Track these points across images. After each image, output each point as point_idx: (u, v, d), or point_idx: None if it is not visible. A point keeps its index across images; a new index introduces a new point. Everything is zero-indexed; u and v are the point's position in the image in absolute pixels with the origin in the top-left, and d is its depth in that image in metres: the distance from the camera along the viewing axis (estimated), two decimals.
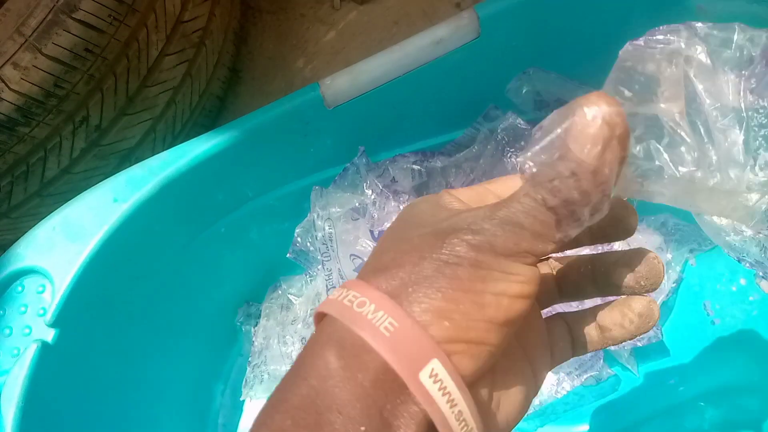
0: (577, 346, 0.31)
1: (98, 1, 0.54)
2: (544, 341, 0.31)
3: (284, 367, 0.62)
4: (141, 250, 0.55)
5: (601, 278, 0.29)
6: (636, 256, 0.28)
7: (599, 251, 0.37)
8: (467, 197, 0.29)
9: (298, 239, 0.61)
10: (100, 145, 0.66)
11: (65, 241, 0.51)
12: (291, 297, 0.65)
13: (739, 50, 0.26)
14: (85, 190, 0.53)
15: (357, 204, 0.59)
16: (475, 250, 0.24)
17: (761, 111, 0.26)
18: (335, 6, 0.93)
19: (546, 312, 0.32)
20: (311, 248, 0.61)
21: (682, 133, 0.26)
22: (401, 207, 0.57)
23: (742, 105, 0.26)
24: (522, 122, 0.58)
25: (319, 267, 0.60)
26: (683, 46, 0.26)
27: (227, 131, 0.53)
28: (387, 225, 0.57)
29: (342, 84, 0.53)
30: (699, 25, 0.27)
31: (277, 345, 0.63)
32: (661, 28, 0.28)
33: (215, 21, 0.73)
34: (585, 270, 0.30)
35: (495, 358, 0.25)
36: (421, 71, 0.54)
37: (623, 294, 0.29)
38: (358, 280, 0.25)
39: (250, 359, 0.65)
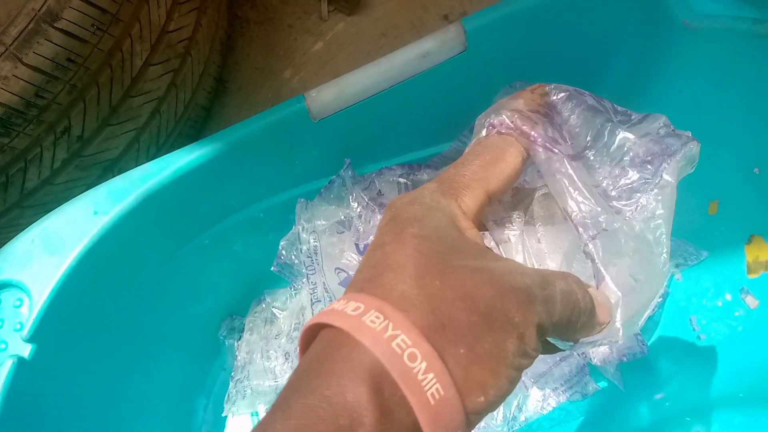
0: None
1: (81, 10, 0.53)
2: None
3: (267, 382, 0.61)
4: (122, 263, 0.54)
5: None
6: None
7: None
8: (472, 212, 0.28)
9: (283, 252, 0.60)
10: (82, 156, 0.65)
11: (44, 254, 0.50)
12: (275, 311, 0.64)
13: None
14: (67, 201, 0.52)
15: (342, 217, 0.58)
16: (526, 323, 0.23)
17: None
18: (323, 17, 0.93)
19: None
20: (296, 261, 0.60)
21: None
22: None
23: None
24: None
25: (304, 280, 0.60)
26: None
27: (211, 143, 0.52)
28: (372, 238, 0.57)
29: (328, 96, 0.53)
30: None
31: (260, 360, 0.62)
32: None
33: (201, 31, 0.73)
34: None
35: None
36: (407, 84, 0.54)
37: None
38: (395, 310, 0.22)
39: (233, 374, 0.64)
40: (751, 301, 0.57)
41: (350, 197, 0.57)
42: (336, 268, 0.58)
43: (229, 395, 0.63)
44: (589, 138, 0.31)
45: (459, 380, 0.22)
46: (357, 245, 0.57)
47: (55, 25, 0.52)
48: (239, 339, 0.65)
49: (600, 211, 0.29)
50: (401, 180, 0.60)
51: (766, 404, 0.53)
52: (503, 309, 0.23)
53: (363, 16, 0.93)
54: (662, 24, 0.50)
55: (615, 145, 0.31)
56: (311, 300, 0.58)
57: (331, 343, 0.23)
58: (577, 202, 0.29)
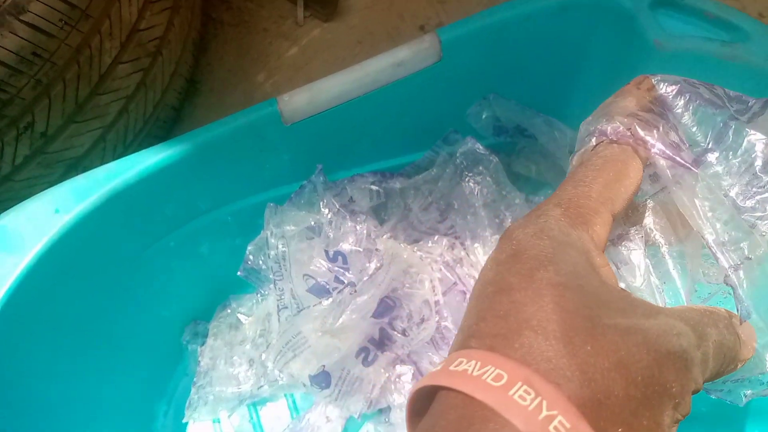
0: None
1: (49, 4, 0.52)
2: None
3: (230, 389, 0.60)
4: (83, 264, 0.53)
5: None
6: None
7: None
8: (602, 242, 0.25)
9: (250, 257, 0.59)
10: (46, 153, 0.63)
11: (2, 252, 0.48)
12: (240, 316, 0.63)
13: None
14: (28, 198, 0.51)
15: (312, 223, 0.57)
16: (683, 391, 0.21)
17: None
18: (299, 22, 0.93)
19: None
20: (263, 267, 0.60)
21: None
22: (358, 227, 0.57)
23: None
24: (481, 147, 0.58)
25: (271, 286, 0.59)
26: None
27: (179, 143, 0.51)
28: (342, 245, 0.56)
29: (300, 101, 0.52)
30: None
31: (223, 366, 0.61)
32: None
33: (174, 31, 0.72)
34: None
35: None
36: (381, 92, 0.54)
37: None
38: (547, 383, 0.19)
39: (195, 380, 0.63)
40: None
41: (321, 203, 0.57)
42: (304, 275, 0.57)
43: (190, 401, 0.62)
44: (709, 139, 0.27)
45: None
46: (326, 252, 0.57)
47: (21, 17, 0.50)
48: (203, 344, 0.64)
49: (742, 236, 0.25)
50: (373, 187, 0.60)
51: (728, 417, 0.53)
52: (661, 379, 0.20)
53: (339, 23, 0.93)
54: (634, 43, 0.51)
55: (742, 148, 0.26)
56: (278, 306, 0.57)
57: (470, 418, 0.19)
58: (713, 224, 0.25)
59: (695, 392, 0.22)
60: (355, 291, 0.52)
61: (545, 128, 0.57)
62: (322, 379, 0.54)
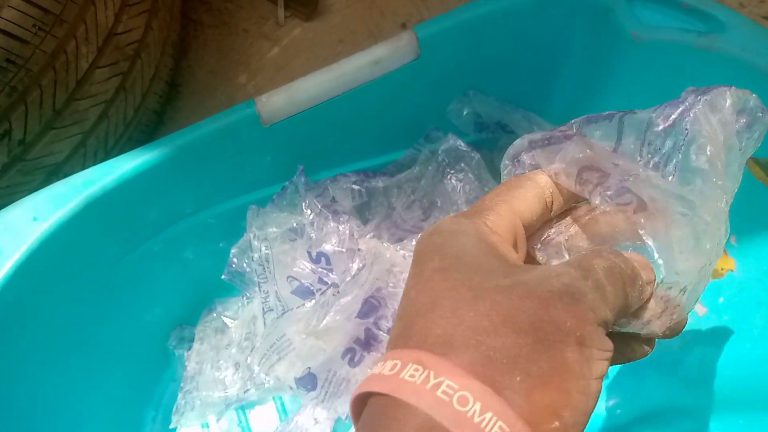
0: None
1: (21, 9, 0.51)
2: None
3: (217, 393, 0.60)
4: (64, 271, 0.52)
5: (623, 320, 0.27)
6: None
7: None
8: (501, 228, 0.26)
9: (234, 260, 0.59)
10: (25, 160, 0.63)
11: None
12: (226, 320, 0.63)
13: None
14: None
15: (295, 224, 0.57)
16: (582, 324, 0.21)
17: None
18: (279, 22, 0.92)
19: None
20: (247, 269, 0.59)
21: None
22: (340, 228, 0.56)
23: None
24: (462, 144, 0.58)
25: (256, 289, 0.58)
26: None
27: (156, 148, 0.51)
28: (325, 246, 0.56)
29: (278, 102, 0.52)
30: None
31: (210, 370, 0.61)
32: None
33: (152, 34, 0.71)
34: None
35: None
36: (360, 91, 0.54)
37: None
38: (433, 356, 0.20)
39: (182, 385, 0.62)
40: (700, 309, 0.58)
41: (303, 204, 0.57)
42: (288, 277, 0.57)
43: (177, 406, 0.62)
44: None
45: (524, 411, 0.19)
46: (309, 253, 0.57)
47: None
48: (189, 349, 0.64)
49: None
50: (355, 187, 0.60)
51: (715, 411, 0.54)
52: (550, 320, 0.21)
53: (320, 23, 0.92)
54: (611, 35, 0.51)
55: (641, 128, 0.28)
56: (263, 309, 0.57)
57: (377, 410, 0.21)
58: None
59: (606, 321, 0.22)
60: (338, 292, 0.51)
61: (524, 123, 0.57)
62: (308, 381, 0.54)
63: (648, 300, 0.26)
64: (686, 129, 0.26)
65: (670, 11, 0.50)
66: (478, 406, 0.19)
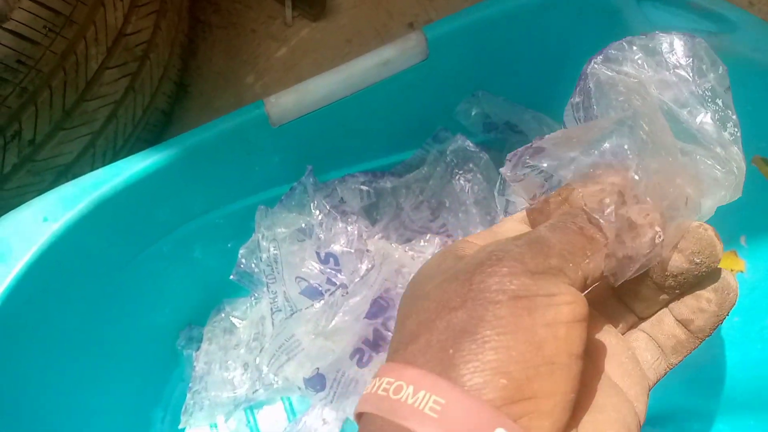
0: (668, 354, 0.27)
1: (32, 11, 0.51)
2: (633, 361, 0.26)
3: (226, 393, 0.60)
4: (74, 272, 0.52)
5: (655, 274, 0.25)
6: (678, 231, 0.24)
7: None
8: (481, 240, 0.26)
9: (243, 260, 0.59)
10: (35, 161, 0.63)
11: None
12: (234, 320, 0.63)
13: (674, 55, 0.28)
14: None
15: (303, 225, 0.57)
16: (509, 277, 0.21)
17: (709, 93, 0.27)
18: (287, 22, 0.92)
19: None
20: (256, 270, 0.59)
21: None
22: (349, 228, 0.56)
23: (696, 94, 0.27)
24: (471, 144, 0.58)
25: (264, 289, 0.59)
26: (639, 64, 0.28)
27: (165, 149, 0.51)
28: (334, 247, 0.56)
29: (287, 103, 0.52)
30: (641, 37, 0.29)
31: (218, 370, 0.61)
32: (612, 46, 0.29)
33: (161, 34, 0.71)
34: (642, 276, 0.26)
35: (572, 404, 0.21)
36: (369, 91, 0.54)
37: (687, 282, 0.25)
38: (390, 363, 0.22)
39: (190, 385, 0.63)
40: None
41: (312, 205, 0.57)
42: (297, 277, 0.57)
43: (186, 407, 0.62)
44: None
45: (464, 380, 0.19)
46: (318, 253, 0.57)
47: (4, 26, 0.50)
48: (198, 349, 0.64)
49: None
50: (363, 187, 0.60)
51: (725, 412, 0.53)
52: (477, 287, 0.21)
53: (328, 23, 0.92)
54: (620, 36, 0.50)
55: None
56: (271, 309, 0.57)
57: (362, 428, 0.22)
58: None
59: (551, 270, 0.22)
60: (347, 293, 0.51)
61: (534, 124, 0.57)
62: (317, 382, 0.54)
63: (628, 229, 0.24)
64: (589, 87, 0.28)
65: (680, 12, 0.49)
66: (411, 389, 0.19)
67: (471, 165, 0.58)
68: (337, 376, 0.55)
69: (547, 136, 0.28)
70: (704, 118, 0.26)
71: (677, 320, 0.26)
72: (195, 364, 0.63)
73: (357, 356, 0.55)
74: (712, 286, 0.25)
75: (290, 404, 0.62)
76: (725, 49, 0.47)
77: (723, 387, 0.54)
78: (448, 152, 0.59)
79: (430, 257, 0.27)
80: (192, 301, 0.65)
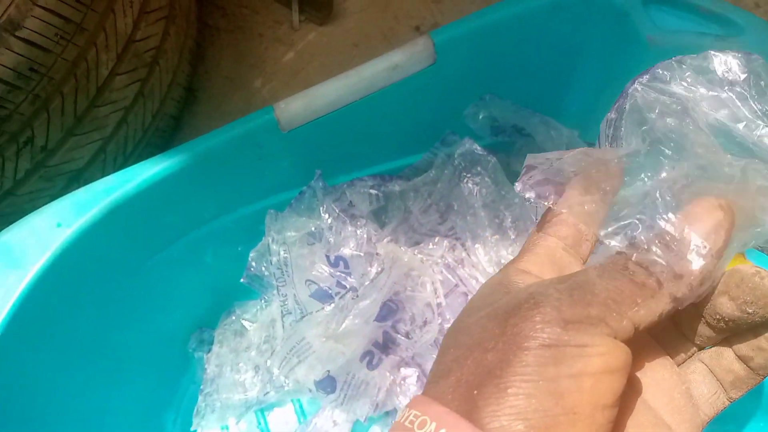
0: (728, 388, 0.26)
1: (44, 19, 0.52)
2: (685, 397, 0.25)
3: (237, 396, 0.61)
4: (87, 277, 0.53)
5: (709, 317, 0.25)
6: (731, 278, 0.23)
7: None
8: (536, 265, 0.25)
9: (253, 264, 0.60)
10: (47, 167, 0.64)
11: (5, 267, 0.49)
12: (245, 323, 0.64)
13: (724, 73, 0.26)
14: (31, 212, 0.51)
15: (313, 228, 0.58)
16: (541, 324, 0.21)
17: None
18: (294, 27, 0.93)
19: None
20: (266, 273, 0.60)
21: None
22: (358, 231, 0.57)
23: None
24: (478, 148, 0.58)
25: (274, 292, 0.59)
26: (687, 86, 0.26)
27: (177, 154, 0.51)
28: (343, 250, 0.57)
29: (297, 108, 0.53)
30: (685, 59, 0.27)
31: (230, 373, 0.62)
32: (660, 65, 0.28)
33: (170, 40, 0.72)
34: (690, 312, 0.25)
35: None
36: (378, 96, 0.54)
37: (739, 328, 0.24)
38: (422, 396, 0.22)
39: (201, 387, 0.63)
40: None
41: (321, 208, 0.57)
42: (307, 280, 0.58)
43: (197, 409, 0.62)
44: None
45: (485, 421, 0.20)
46: (328, 257, 0.57)
47: (17, 34, 0.51)
48: (209, 352, 0.64)
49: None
50: (372, 191, 0.60)
51: (741, 412, 0.54)
52: (511, 330, 0.21)
53: (334, 27, 0.93)
54: (627, 39, 0.51)
55: None
56: (282, 312, 0.58)
57: None
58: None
59: (588, 319, 0.21)
60: (357, 296, 0.52)
61: (542, 127, 0.57)
62: (328, 384, 0.55)
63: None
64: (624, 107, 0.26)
65: (687, 15, 0.50)
66: (433, 426, 0.20)
67: (479, 168, 0.59)
68: (347, 378, 0.55)
69: (565, 156, 0.27)
70: (762, 132, 0.25)
71: (737, 356, 0.25)
72: (206, 366, 0.63)
73: (367, 358, 0.56)
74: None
75: (300, 406, 0.63)
76: None
77: (761, 387, 0.54)
78: (456, 155, 0.59)
79: (483, 283, 0.26)
80: (203, 305, 0.66)
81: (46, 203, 0.51)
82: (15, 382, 0.49)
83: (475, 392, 0.20)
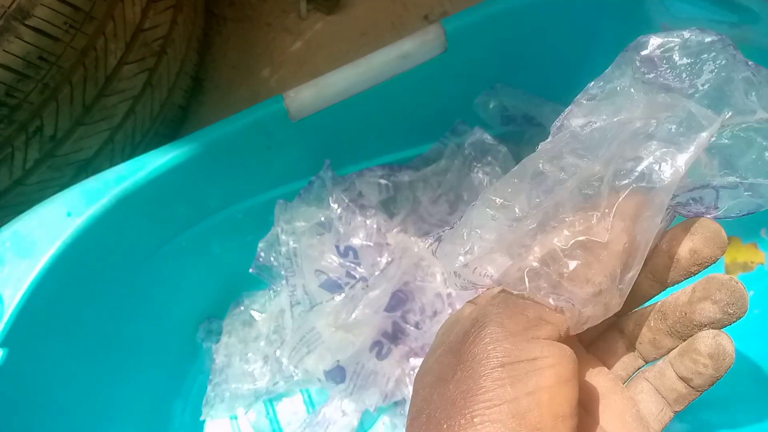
0: (672, 403, 0.28)
1: (53, 8, 0.52)
2: (636, 419, 0.27)
3: (246, 386, 0.61)
4: (96, 266, 0.53)
5: (678, 325, 0.26)
6: (711, 285, 0.25)
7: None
8: (485, 297, 0.27)
9: (262, 254, 0.60)
10: (55, 156, 0.64)
11: (15, 257, 0.49)
12: (254, 313, 0.64)
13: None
14: (39, 202, 0.51)
15: (322, 218, 0.58)
16: (492, 345, 0.22)
17: None
18: (302, 16, 0.92)
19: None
20: (275, 263, 0.60)
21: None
22: (368, 222, 0.57)
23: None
24: (489, 137, 0.58)
25: (283, 282, 0.59)
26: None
27: (187, 144, 0.51)
28: (353, 240, 0.56)
29: (307, 97, 0.52)
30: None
31: (239, 363, 0.62)
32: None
33: (177, 29, 0.71)
34: (656, 323, 0.27)
35: None
36: (387, 85, 0.54)
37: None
38: None
39: (210, 377, 0.63)
40: None
41: (330, 198, 0.57)
42: (316, 270, 0.57)
43: (207, 399, 0.62)
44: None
45: None
46: (337, 247, 0.57)
47: (26, 22, 0.50)
48: (217, 342, 0.64)
49: None
50: (382, 181, 0.60)
51: (743, 403, 0.53)
52: (465, 357, 0.22)
53: (342, 16, 0.92)
54: (641, 27, 0.50)
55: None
56: (290, 302, 0.58)
57: None
58: None
59: (529, 324, 0.22)
60: (367, 286, 0.52)
61: (553, 116, 0.56)
62: (337, 374, 0.55)
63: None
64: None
65: (702, 2, 0.49)
66: None
67: (489, 158, 0.58)
68: (356, 368, 0.55)
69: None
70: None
71: (678, 377, 0.27)
72: (215, 356, 0.63)
73: (376, 349, 0.56)
74: (708, 352, 0.26)
75: (309, 396, 0.63)
76: (746, 40, 0.47)
77: (741, 377, 0.54)
78: (466, 145, 0.59)
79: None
80: (211, 295, 0.66)
81: (55, 193, 0.51)
82: (26, 371, 0.50)
83: (445, 426, 0.21)
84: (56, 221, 0.50)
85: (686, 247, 0.26)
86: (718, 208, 0.26)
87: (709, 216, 0.26)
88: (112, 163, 0.51)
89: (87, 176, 0.51)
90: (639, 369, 0.30)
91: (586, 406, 0.27)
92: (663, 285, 0.28)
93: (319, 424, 0.58)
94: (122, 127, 0.69)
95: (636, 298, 0.29)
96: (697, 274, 0.27)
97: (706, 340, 0.25)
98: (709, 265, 0.26)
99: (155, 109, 0.73)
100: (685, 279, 0.27)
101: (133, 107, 0.69)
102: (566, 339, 0.25)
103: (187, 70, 0.79)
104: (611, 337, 0.30)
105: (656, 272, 0.27)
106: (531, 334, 0.22)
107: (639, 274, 0.25)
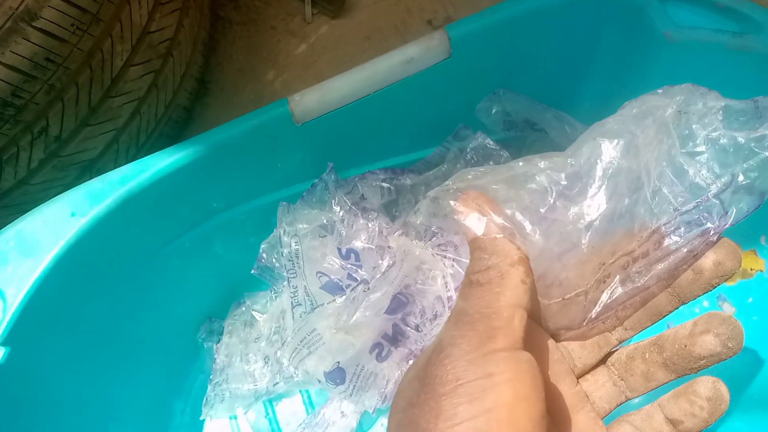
0: None
1: (60, 9, 0.52)
2: None
3: (246, 386, 0.61)
4: (100, 266, 0.53)
5: (676, 357, 0.27)
6: (713, 319, 0.27)
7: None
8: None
9: (264, 255, 0.60)
10: (60, 156, 0.64)
11: (19, 256, 0.49)
12: (255, 314, 0.64)
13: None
14: (44, 201, 0.51)
15: (325, 221, 0.58)
16: (449, 366, 0.22)
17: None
18: (307, 19, 0.93)
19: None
20: (277, 265, 0.60)
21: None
22: (370, 225, 0.57)
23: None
24: (491, 142, 0.58)
25: (285, 284, 0.59)
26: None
27: (191, 146, 0.52)
28: (355, 243, 0.57)
29: (311, 101, 0.53)
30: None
31: (239, 363, 0.62)
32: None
33: (183, 32, 0.72)
34: (652, 355, 0.28)
35: None
36: (391, 89, 0.54)
37: (703, 367, 0.27)
38: None
39: (211, 377, 0.64)
40: (728, 309, 0.58)
41: (333, 201, 0.57)
42: (317, 272, 0.58)
43: (207, 398, 0.63)
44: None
45: None
46: (339, 249, 0.57)
47: (34, 24, 0.51)
48: (218, 342, 0.65)
49: None
50: (384, 184, 0.60)
51: (741, 410, 0.53)
52: (431, 381, 0.23)
53: (347, 20, 0.93)
54: (643, 35, 0.51)
55: None
56: (292, 304, 0.58)
57: None
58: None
59: (488, 338, 0.23)
60: (369, 288, 0.52)
61: (555, 122, 0.57)
62: (337, 375, 0.55)
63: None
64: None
65: (704, 11, 0.49)
66: None
67: (491, 163, 0.59)
68: (356, 370, 0.55)
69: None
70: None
71: (667, 419, 0.28)
72: (216, 356, 0.64)
73: (376, 351, 0.56)
74: (708, 395, 0.27)
75: (309, 397, 0.63)
76: (749, 50, 0.47)
77: (739, 385, 0.54)
78: (468, 150, 0.59)
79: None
80: (213, 295, 0.66)
81: (59, 193, 0.51)
82: (27, 369, 0.50)
83: None
84: (60, 221, 0.50)
85: (710, 260, 0.27)
86: (727, 212, 0.27)
87: (725, 225, 0.27)
88: (116, 164, 0.52)
89: (91, 177, 0.52)
90: (620, 404, 0.30)
91: (555, 418, 0.27)
92: (682, 301, 0.28)
93: (318, 424, 0.58)
94: (127, 129, 0.70)
95: (651, 315, 0.29)
96: (716, 287, 0.28)
97: (706, 384, 0.27)
98: (726, 279, 0.27)
99: (160, 110, 0.74)
100: (704, 293, 0.28)
101: (139, 109, 0.69)
102: (536, 340, 0.26)
103: (192, 73, 0.80)
104: (599, 370, 0.30)
105: (680, 287, 0.28)
106: (486, 348, 0.22)
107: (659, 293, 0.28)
